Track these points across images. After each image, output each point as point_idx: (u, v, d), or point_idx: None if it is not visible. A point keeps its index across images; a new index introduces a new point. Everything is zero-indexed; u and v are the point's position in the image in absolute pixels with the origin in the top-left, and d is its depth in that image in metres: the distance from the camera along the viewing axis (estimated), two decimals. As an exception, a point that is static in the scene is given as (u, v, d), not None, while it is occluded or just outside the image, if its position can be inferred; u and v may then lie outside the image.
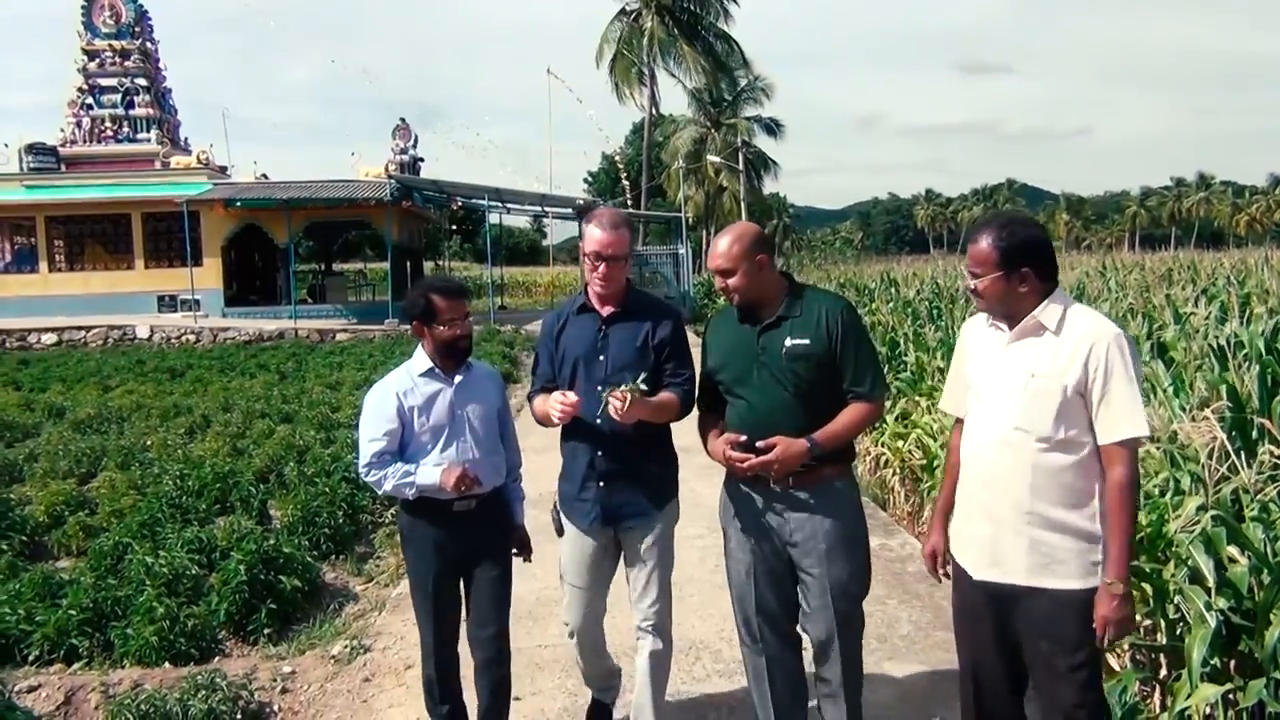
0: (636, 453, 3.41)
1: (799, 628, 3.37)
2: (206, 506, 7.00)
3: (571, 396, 3.28)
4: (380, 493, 3.47)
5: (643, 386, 3.18)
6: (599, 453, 3.42)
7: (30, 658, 4.69)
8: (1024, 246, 2.73)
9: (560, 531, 3.60)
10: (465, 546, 3.51)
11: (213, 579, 5.42)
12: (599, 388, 3.28)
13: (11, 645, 4.76)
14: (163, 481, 7.36)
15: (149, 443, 9.52)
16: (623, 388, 3.14)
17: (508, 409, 3.75)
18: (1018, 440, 2.71)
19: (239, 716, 4.03)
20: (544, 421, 3.51)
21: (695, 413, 3.47)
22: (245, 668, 4.51)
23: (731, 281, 3.20)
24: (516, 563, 3.73)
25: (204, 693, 3.95)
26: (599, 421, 3.27)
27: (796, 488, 3.19)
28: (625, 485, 3.43)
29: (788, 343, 3.17)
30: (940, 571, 3.11)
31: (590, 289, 3.46)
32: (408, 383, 3.49)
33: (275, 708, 4.26)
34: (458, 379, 3.50)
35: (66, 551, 6.53)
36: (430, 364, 3.49)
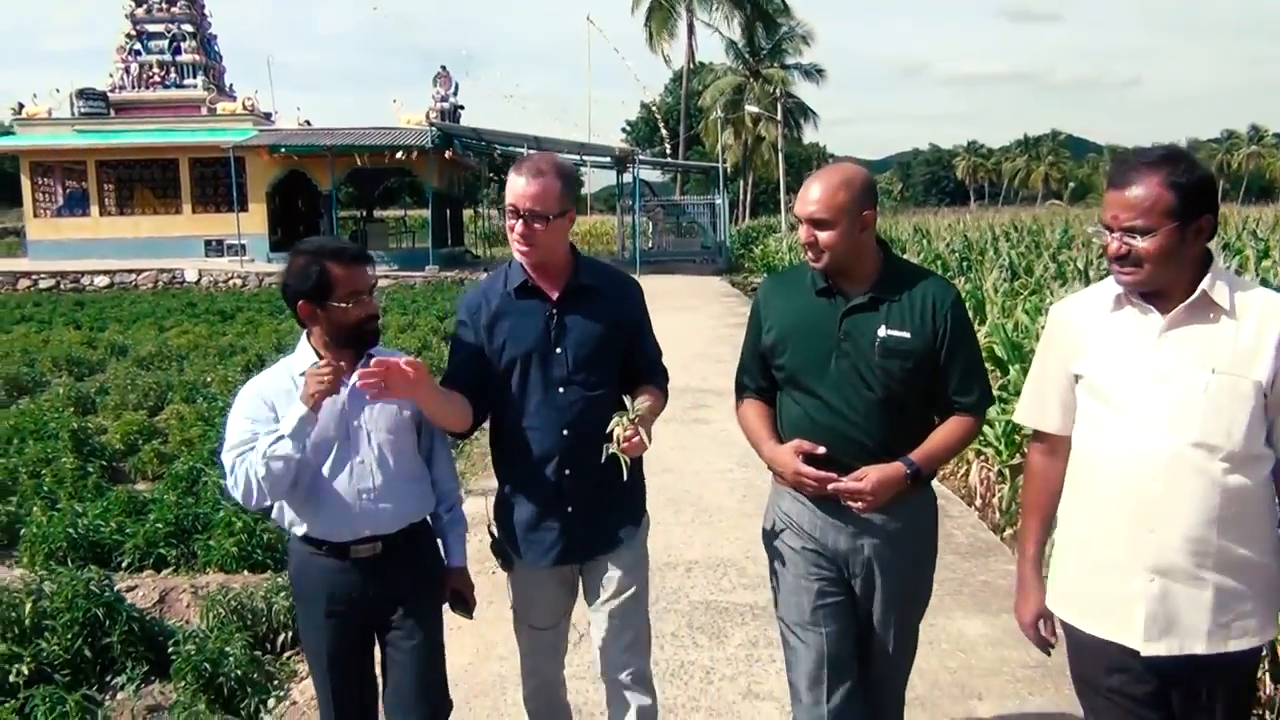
0: (612, 464, 2.60)
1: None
2: (270, 437, 7.54)
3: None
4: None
5: (638, 411, 2.52)
6: (566, 471, 2.66)
7: (124, 564, 5.22)
8: (1204, 187, 2.02)
9: (507, 567, 2.83)
10: (372, 604, 2.64)
11: (282, 500, 5.95)
12: (560, 389, 2.63)
13: (107, 553, 5.30)
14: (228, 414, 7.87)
15: (209, 379, 10.08)
16: (624, 420, 2.50)
17: None
18: (1198, 460, 2.02)
19: (315, 614, 4.53)
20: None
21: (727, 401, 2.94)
22: (316, 575, 5.00)
23: (824, 237, 2.46)
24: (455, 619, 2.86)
25: (285, 593, 4.45)
26: (612, 450, 2.50)
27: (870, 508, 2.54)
28: (601, 508, 2.72)
29: (882, 332, 2.49)
30: (1051, 641, 2.36)
31: (517, 257, 2.66)
32: (286, 384, 2.56)
33: (345, 609, 4.75)
34: (353, 378, 2.48)
35: (143, 476, 7.11)
36: (316, 359, 2.54)
